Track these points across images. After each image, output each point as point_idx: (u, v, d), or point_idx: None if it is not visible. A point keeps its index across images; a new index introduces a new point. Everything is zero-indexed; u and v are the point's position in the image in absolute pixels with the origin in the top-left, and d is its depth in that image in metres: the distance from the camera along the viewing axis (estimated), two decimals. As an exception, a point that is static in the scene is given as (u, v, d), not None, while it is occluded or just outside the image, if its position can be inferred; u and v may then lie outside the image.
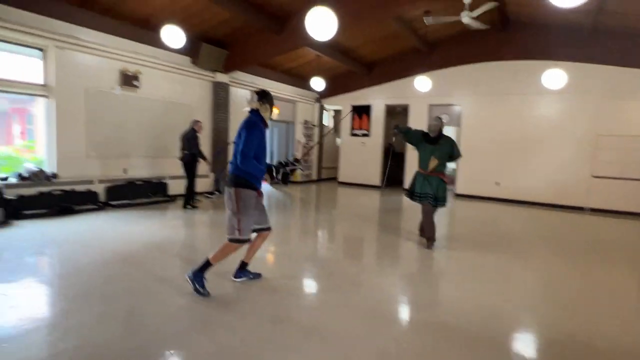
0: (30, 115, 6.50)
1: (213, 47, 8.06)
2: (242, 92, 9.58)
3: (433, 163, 4.71)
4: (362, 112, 11.86)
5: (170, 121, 7.74)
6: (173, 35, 6.09)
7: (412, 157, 11.03)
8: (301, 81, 11.33)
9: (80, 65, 6.21)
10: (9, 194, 5.37)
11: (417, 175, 4.93)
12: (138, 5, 6.36)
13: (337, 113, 13.24)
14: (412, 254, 4.77)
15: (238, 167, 3.00)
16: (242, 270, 3.43)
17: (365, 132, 11.80)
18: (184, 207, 6.89)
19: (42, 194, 5.75)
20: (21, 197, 5.51)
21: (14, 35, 5.43)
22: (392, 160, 12.40)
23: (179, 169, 7.25)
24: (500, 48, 9.29)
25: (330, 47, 9.28)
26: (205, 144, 8.30)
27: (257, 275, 3.50)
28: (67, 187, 6.10)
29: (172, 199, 7.62)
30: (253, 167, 2.99)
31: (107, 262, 3.84)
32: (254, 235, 3.28)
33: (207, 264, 3.04)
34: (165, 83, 7.62)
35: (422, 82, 8.57)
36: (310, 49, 8.80)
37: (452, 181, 10.21)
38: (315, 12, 4.58)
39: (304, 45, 8.13)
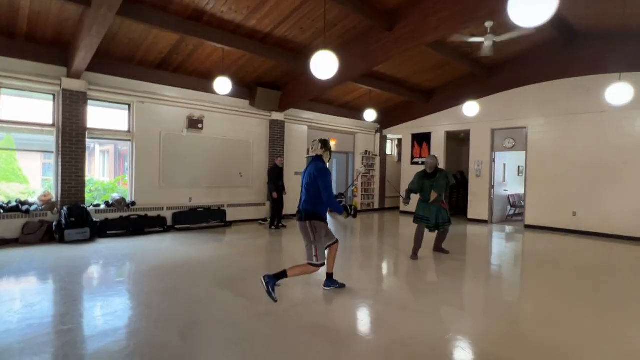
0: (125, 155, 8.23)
1: (267, 90, 9.11)
2: (297, 127, 10.42)
3: (433, 196, 5.42)
4: (422, 140, 11.70)
5: (230, 156, 8.90)
6: (223, 84, 7.18)
7: (475, 184, 10.41)
8: (360, 113, 11.77)
9: (155, 115, 7.73)
10: (97, 218, 6.88)
11: (419, 204, 5.59)
12: (199, 63, 7.71)
13: (400, 142, 13.25)
14: (465, 284, 4.66)
15: (310, 203, 3.60)
16: (330, 279, 4.05)
17: (425, 159, 11.54)
18: (270, 227, 8.40)
19: (122, 217, 7.19)
20: (106, 220, 6.99)
21: (108, 96, 7.14)
22: (455, 188, 11.82)
23: (236, 197, 8.37)
24: (569, 63, 8.45)
25: (378, 80, 9.61)
26: (262, 176, 9.28)
27: (342, 285, 4.09)
28: (142, 213, 7.48)
29: (229, 224, 8.61)
30: (336, 204, 3.67)
31: (168, 269, 4.87)
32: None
33: (283, 274, 3.54)
34: (226, 123, 8.85)
35: (471, 108, 8.27)
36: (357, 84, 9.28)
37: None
38: (319, 56, 5.07)
39: (342, 83, 8.63)
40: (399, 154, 13.43)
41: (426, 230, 5.68)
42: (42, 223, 6.28)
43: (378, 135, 12.78)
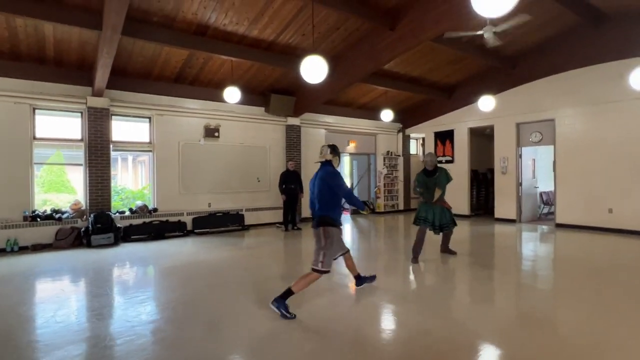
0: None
1: (280, 96, 9.33)
2: (314, 131, 10.53)
3: (438, 193, 5.30)
4: (445, 138, 11.35)
5: (247, 162, 9.21)
6: (232, 94, 7.48)
7: (501, 182, 9.92)
8: (379, 114, 11.66)
9: (174, 126, 8.21)
10: (123, 224, 7.44)
11: (421, 205, 5.51)
12: (212, 74, 8.08)
13: (424, 141, 12.93)
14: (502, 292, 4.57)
15: (324, 209, 3.54)
16: (359, 279, 4.19)
17: (449, 158, 11.19)
18: (285, 230, 8.63)
19: (144, 223, 7.70)
20: (130, 226, 7.52)
21: (129, 111, 7.72)
22: (480, 187, 11.35)
23: (253, 201, 8.71)
24: (598, 48, 7.84)
25: (393, 80, 9.50)
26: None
27: (373, 277, 4.32)
28: (163, 218, 7.96)
29: (246, 227, 8.91)
30: (357, 200, 3.69)
31: (188, 268, 5.35)
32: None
33: (289, 292, 3.40)
34: (242, 131, 9.18)
35: (486, 103, 7.95)
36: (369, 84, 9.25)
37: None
38: (308, 61, 5.15)
39: (352, 84, 8.64)
40: (424, 153, 13.11)
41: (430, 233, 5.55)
42: (72, 229, 6.91)
43: (400, 135, 12.56)
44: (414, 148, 13.41)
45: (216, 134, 8.72)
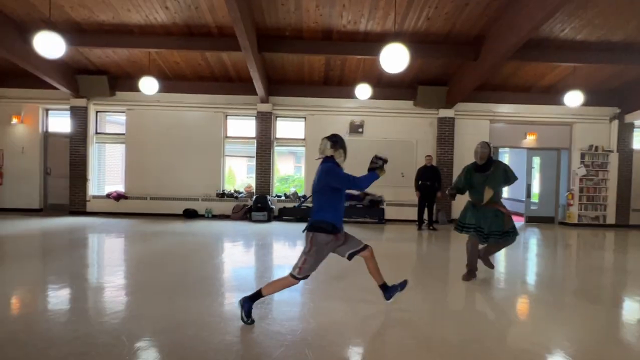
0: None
1: (429, 87, 8.82)
2: (473, 123, 9.29)
3: (488, 194, 4.18)
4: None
5: (391, 156, 9.05)
6: (364, 91, 7.77)
7: None
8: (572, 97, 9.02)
9: (323, 123, 9.22)
10: (279, 206, 9.10)
11: (467, 207, 4.40)
12: (353, 73, 8.58)
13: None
14: None
15: (318, 212, 3.10)
16: (387, 290, 3.45)
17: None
18: (418, 229, 8.30)
19: (294, 207, 9.12)
20: (284, 208, 9.10)
21: (288, 113, 9.30)
22: None
23: (396, 196, 8.85)
24: None
25: (577, 51, 7.26)
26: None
27: (404, 283, 3.53)
28: (310, 204, 9.15)
29: (384, 221, 8.99)
30: (364, 180, 3.08)
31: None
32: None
33: (258, 294, 3.03)
34: (387, 126, 9.26)
35: None
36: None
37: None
38: (388, 49, 4.90)
39: (499, 63, 7.18)
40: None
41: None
42: (243, 206, 9.05)
43: (616, 123, 9.25)
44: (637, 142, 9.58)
45: (360, 130, 9.20)
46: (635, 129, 9.35)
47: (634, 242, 7.66)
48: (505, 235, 4.20)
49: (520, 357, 2.59)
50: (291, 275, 3.04)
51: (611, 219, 9.29)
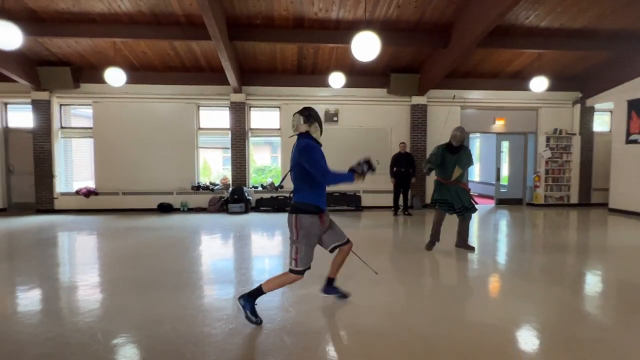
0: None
1: (401, 75, 8.91)
2: (445, 109, 9.47)
3: (457, 172, 4.87)
4: (644, 107, 8.08)
5: (367, 144, 9.30)
6: (337, 79, 7.80)
7: None
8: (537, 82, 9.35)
9: (298, 113, 9.19)
10: (255, 197, 9.05)
11: (437, 186, 5.08)
12: (326, 62, 8.55)
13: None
14: None
15: (298, 193, 2.92)
16: (330, 286, 3.36)
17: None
18: (394, 214, 8.46)
19: (272, 197, 9.10)
20: (261, 199, 9.07)
21: (262, 102, 9.19)
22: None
23: (372, 184, 8.90)
24: None
25: (544, 37, 7.50)
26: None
27: (345, 295, 3.36)
28: (286, 194, 9.16)
29: (361, 209, 9.13)
30: (338, 176, 2.91)
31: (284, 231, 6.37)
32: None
33: (259, 291, 2.86)
34: (361, 114, 9.32)
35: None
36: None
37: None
38: (359, 37, 4.92)
39: (468, 50, 7.35)
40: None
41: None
42: (220, 198, 8.95)
43: (578, 107, 9.67)
44: (601, 123, 10.08)
45: (335, 119, 9.23)
46: (595, 113, 9.81)
47: (595, 219, 8.11)
48: (468, 209, 4.88)
49: (487, 332, 2.74)
50: (290, 270, 2.86)
51: (574, 199, 9.79)
